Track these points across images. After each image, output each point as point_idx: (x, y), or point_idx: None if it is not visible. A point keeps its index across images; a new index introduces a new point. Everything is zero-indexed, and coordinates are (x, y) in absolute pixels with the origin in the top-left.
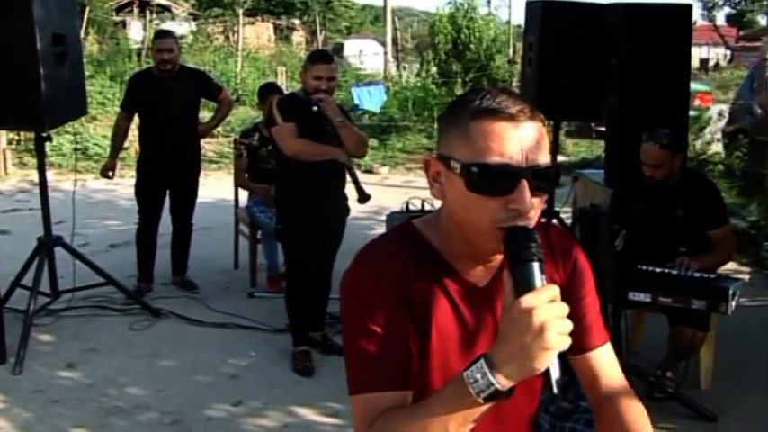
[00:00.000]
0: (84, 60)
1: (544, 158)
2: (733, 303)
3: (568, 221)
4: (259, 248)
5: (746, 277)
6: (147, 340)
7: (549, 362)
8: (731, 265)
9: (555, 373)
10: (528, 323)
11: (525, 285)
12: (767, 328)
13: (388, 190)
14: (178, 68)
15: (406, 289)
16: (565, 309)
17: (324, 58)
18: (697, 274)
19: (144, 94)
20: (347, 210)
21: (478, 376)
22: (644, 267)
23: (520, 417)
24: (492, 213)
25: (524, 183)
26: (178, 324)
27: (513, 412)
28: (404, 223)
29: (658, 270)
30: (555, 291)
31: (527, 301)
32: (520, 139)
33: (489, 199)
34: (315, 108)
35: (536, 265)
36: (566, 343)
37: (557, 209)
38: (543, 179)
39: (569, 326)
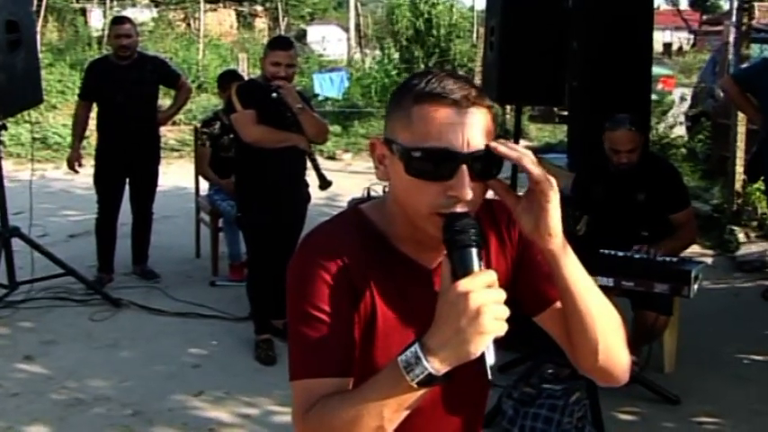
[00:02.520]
0: (44, 48)
1: (486, 143)
2: (695, 287)
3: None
4: (221, 237)
5: (710, 260)
6: (108, 331)
7: (484, 346)
8: (694, 249)
9: (490, 359)
10: (464, 307)
11: (462, 270)
12: (730, 311)
13: (350, 176)
14: (136, 55)
15: (350, 273)
16: (502, 295)
17: (282, 45)
18: (659, 258)
19: (102, 82)
20: (308, 197)
21: (412, 361)
22: (606, 252)
23: (467, 402)
24: (431, 198)
25: (464, 168)
26: (139, 314)
27: (460, 398)
28: (351, 208)
29: (621, 254)
30: (492, 276)
31: (463, 285)
32: (461, 124)
33: (428, 184)
34: (274, 95)
35: (474, 250)
36: (502, 329)
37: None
38: (485, 165)
39: (506, 312)
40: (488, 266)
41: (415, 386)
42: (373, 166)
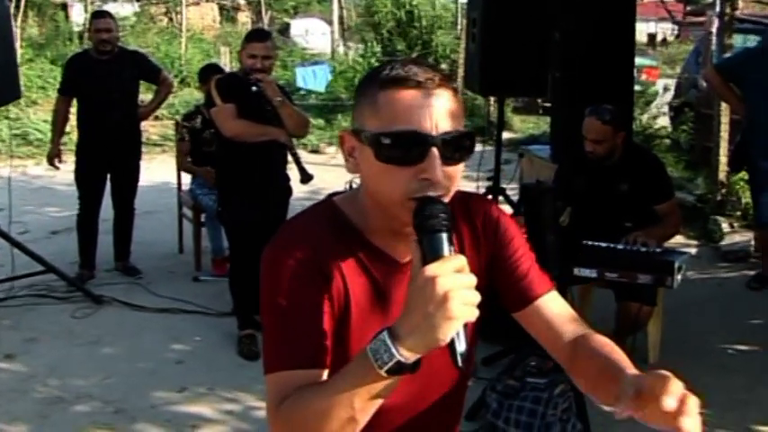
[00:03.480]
0: (24, 44)
1: (456, 126)
2: (679, 277)
3: (515, 198)
4: (204, 232)
5: (694, 250)
6: (90, 328)
7: (453, 333)
8: (679, 239)
9: (460, 346)
10: (431, 292)
11: (432, 255)
12: (715, 302)
13: (334, 170)
14: (117, 50)
15: (322, 265)
16: (472, 280)
17: (259, 37)
18: (643, 249)
19: (82, 77)
20: (289, 190)
21: (381, 349)
22: (589, 243)
23: (443, 394)
24: (403, 184)
25: (434, 151)
26: (121, 311)
27: (438, 387)
28: (324, 200)
29: (604, 245)
30: (461, 261)
31: (431, 269)
32: (429, 107)
33: (399, 169)
34: (254, 88)
35: (444, 235)
36: (472, 315)
37: (503, 185)
38: (455, 148)
39: (476, 297)
40: (460, 253)
41: (384, 375)
42: (343, 159)
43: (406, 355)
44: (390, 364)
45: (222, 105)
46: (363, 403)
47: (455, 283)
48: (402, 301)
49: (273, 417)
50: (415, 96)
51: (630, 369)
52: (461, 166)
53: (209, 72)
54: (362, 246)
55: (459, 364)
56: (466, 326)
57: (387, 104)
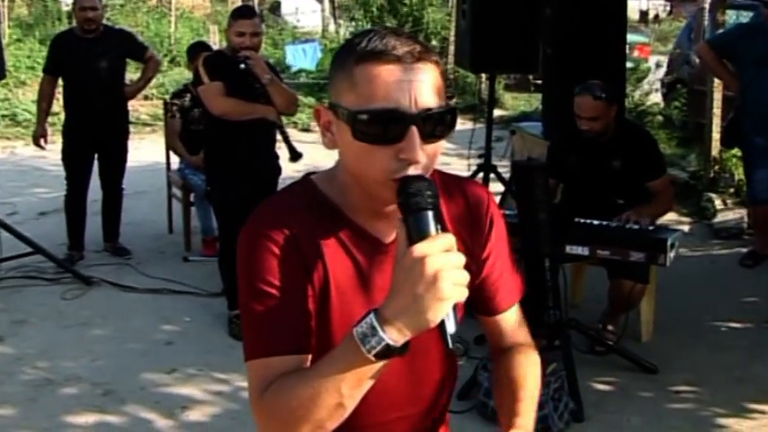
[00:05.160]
0: (12, 24)
1: (436, 101)
2: (672, 255)
3: (506, 176)
4: (193, 211)
5: (687, 228)
6: (79, 310)
7: (444, 314)
8: (671, 216)
9: (450, 327)
10: (420, 272)
11: (418, 234)
12: (708, 279)
13: (323, 148)
14: (102, 29)
15: (299, 245)
16: (461, 259)
17: (245, 14)
18: (635, 226)
19: (67, 56)
20: (278, 169)
21: (368, 332)
22: (582, 220)
23: (433, 376)
24: (383, 164)
25: (413, 129)
26: (111, 292)
27: (427, 367)
28: (301, 179)
29: (596, 223)
30: (450, 240)
31: (419, 249)
32: (408, 82)
33: (378, 148)
34: (242, 66)
35: (430, 213)
36: (462, 295)
37: (494, 163)
38: (436, 124)
39: (466, 277)
40: (446, 230)
41: (373, 358)
42: (320, 134)
43: (394, 338)
44: (379, 348)
45: (210, 83)
46: (351, 389)
47: (445, 263)
48: (385, 283)
49: (257, 405)
50: (394, 71)
51: (517, 418)
52: (443, 142)
53: (197, 50)
54: (343, 225)
55: (450, 345)
56: (455, 306)
57: (364, 80)
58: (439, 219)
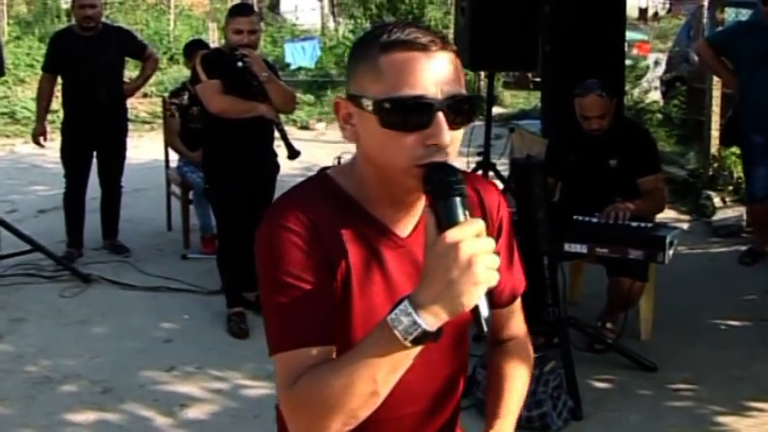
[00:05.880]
0: (11, 21)
1: (459, 90)
2: (670, 252)
3: (505, 174)
4: (192, 209)
5: (686, 225)
6: (78, 307)
7: (478, 298)
8: (670, 214)
9: (484, 311)
10: (455, 257)
11: (448, 221)
12: (707, 277)
13: (323, 146)
14: (101, 27)
15: (322, 237)
16: (491, 243)
17: (243, 11)
18: (634, 224)
19: (66, 54)
20: (276, 167)
21: (403, 318)
22: (580, 218)
23: (447, 371)
24: (409, 150)
25: (440, 115)
26: (110, 289)
27: (443, 362)
28: (317, 173)
29: (595, 220)
30: (480, 225)
31: (452, 235)
32: (433, 70)
33: (405, 135)
34: (240, 63)
35: (458, 199)
36: (494, 279)
37: (493, 161)
38: (460, 111)
39: (497, 261)
40: (474, 216)
41: (409, 344)
42: (339, 127)
43: (430, 323)
44: (415, 333)
45: (207, 81)
46: (386, 375)
47: (478, 248)
48: (403, 277)
49: (287, 398)
50: (419, 59)
51: (497, 420)
52: (462, 131)
53: (194, 48)
54: (361, 218)
55: (486, 328)
56: (488, 291)
57: (390, 69)
58: (466, 205)
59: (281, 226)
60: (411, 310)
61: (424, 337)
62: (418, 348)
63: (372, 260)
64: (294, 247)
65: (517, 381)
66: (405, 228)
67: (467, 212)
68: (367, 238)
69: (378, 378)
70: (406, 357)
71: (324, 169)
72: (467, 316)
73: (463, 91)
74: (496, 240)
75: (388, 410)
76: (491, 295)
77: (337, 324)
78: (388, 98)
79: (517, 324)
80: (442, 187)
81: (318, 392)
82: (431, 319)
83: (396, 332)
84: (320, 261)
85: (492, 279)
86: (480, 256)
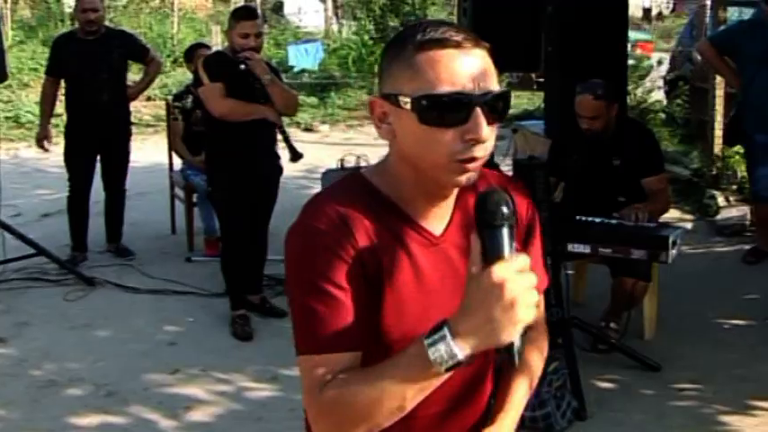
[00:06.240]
0: (15, 26)
1: (494, 85)
2: (673, 252)
3: (509, 174)
4: (196, 212)
5: (689, 225)
6: (82, 311)
7: (516, 335)
8: (674, 214)
9: (517, 344)
10: (499, 296)
11: (493, 252)
12: (711, 276)
13: (327, 148)
14: (104, 30)
15: (355, 241)
16: (533, 279)
17: (249, 15)
18: (638, 224)
19: (69, 58)
20: (279, 169)
21: (441, 345)
22: (583, 218)
23: (472, 367)
24: (448, 145)
25: (478, 111)
26: (113, 293)
27: (475, 366)
28: (351, 173)
29: (598, 220)
30: (525, 261)
31: (498, 273)
32: (469, 66)
33: (444, 131)
34: (242, 66)
35: (506, 231)
36: (532, 315)
37: (497, 161)
38: (496, 107)
39: (536, 297)
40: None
41: (443, 371)
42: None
43: (466, 353)
44: (451, 362)
45: (210, 85)
46: (415, 394)
47: (521, 288)
48: (434, 275)
49: (314, 403)
50: (456, 57)
51: (502, 412)
52: (498, 126)
53: (196, 51)
54: (396, 217)
55: (517, 362)
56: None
57: (427, 66)
58: (513, 236)
59: (316, 226)
60: (449, 339)
61: (457, 365)
62: (450, 373)
63: (405, 258)
64: (327, 251)
65: (528, 371)
66: (439, 226)
67: (513, 244)
68: (400, 235)
69: (407, 395)
70: (438, 380)
71: (357, 169)
72: None
73: (498, 87)
74: (526, 242)
75: (423, 408)
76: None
77: (368, 322)
78: (427, 95)
79: (538, 319)
80: (491, 217)
81: (346, 403)
82: (467, 350)
83: (431, 357)
84: (351, 263)
85: (530, 316)
86: (523, 296)
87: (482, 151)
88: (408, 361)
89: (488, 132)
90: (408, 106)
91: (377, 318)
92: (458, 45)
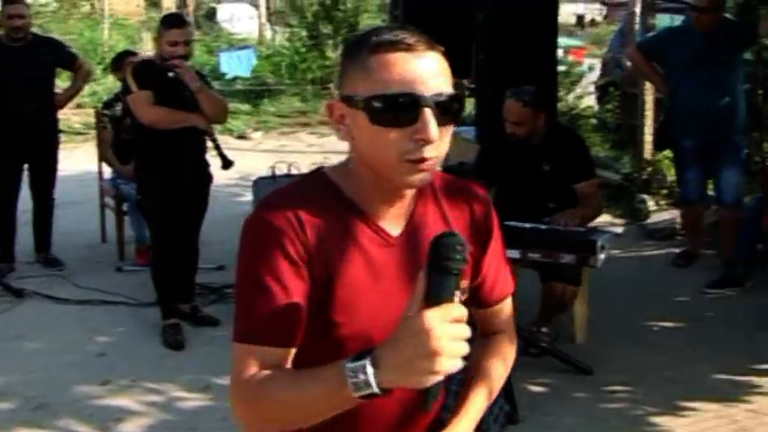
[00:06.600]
0: None
1: (447, 88)
2: (602, 256)
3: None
4: (127, 220)
5: (621, 229)
6: (11, 323)
7: (433, 383)
8: (606, 218)
9: (433, 391)
10: (424, 343)
11: (435, 298)
12: (641, 280)
13: (260, 155)
14: (30, 37)
15: (307, 239)
16: (466, 332)
17: (178, 23)
18: (566, 229)
19: None
20: (209, 177)
21: (360, 374)
22: (513, 224)
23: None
24: (398, 145)
25: (428, 111)
26: (43, 304)
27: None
28: (313, 171)
29: (527, 226)
30: (461, 311)
31: (429, 319)
32: (420, 68)
33: (394, 130)
34: (171, 74)
35: (452, 278)
36: (456, 367)
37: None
38: (448, 109)
39: (464, 350)
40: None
41: (356, 397)
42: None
43: (382, 386)
44: (364, 392)
45: (139, 92)
46: (326, 410)
47: (448, 338)
48: (389, 275)
49: (238, 390)
50: (407, 59)
51: (457, 417)
52: (451, 130)
53: (124, 58)
54: (354, 216)
55: (428, 407)
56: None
57: (379, 68)
58: (458, 284)
59: (266, 221)
60: (369, 370)
61: (371, 396)
62: (363, 400)
63: (360, 257)
64: (275, 245)
65: (487, 380)
66: (396, 227)
67: (457, 293)
68: (357, 235)
69: (318, 409)
70: (351, 404)
71: (320, 168)
72: None
73: (450, 89)
74: (485, 247)
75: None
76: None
77: (318, 321)
78: (377, 95)
79: (504, 321)
80: (442, 261)
81: (265, 400)
82: (383, 383)
83: (348, 381)
84: (300, 261)
85: (454, 367)
86: (448, 348)
87: (433, 152)
88: (327, 378)
89: (439, 133)
90: (361, 107)
91: (327, 314)
92: (409, 48)
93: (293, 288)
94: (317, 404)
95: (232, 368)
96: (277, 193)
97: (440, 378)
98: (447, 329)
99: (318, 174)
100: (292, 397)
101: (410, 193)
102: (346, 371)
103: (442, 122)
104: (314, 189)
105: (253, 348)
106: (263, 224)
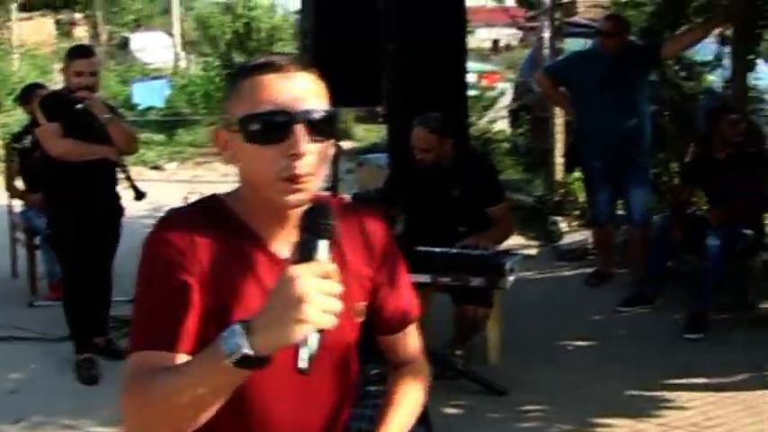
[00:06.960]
0: None
1: (318, 105)
2: (511, 278)
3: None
4: (39, 255)
5: (534, 251)
6: None
7: (302, 335)
8: (519, 240)
9: (306, 350)
10: (288, 292)
11: (302, 258)
12: (554, 300)
13: (174, 186)
14: None
15: (198, 254)
16: (334, 287)
17: (83, 53)
18: (475, 252)
19: None
20: (121, 209)
21: (231, 340)
22: (423, 249)
23: (330, 396)
24: (272, 163)
25: (298, 128)
26: None
27: (321, 393)
28: (209, 196)
29: (438, 250)
30: (329, 267)
31: (294, 270)
32: (291, 87)
33: (268, 148)
34: (79, 106)
35: (321, 241)
36: (327, 322)
37: (345, 195)
38: (320, 126)
39: (336, 306)
40: (341, 263)
41: (230, 364)
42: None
43: (255, 348)
44: (236, 356)
45: (47, 124)
46: (207, 393)
47: (314, 288)
48: None
49: (123, 395)
50: (276, 79)
51: None
52: (329, 147)
53: (32, 91)
54: (245, 237)
55: (300, 365)
56: (322, 331)
57: (251, 90)
58: (327, 249)
59: (161, 237)
60: (239, 333)
61: (246, 361)
62: (242, 373)
63: (250, 277)
64: (165, 259)
65: (402, 409)
66: (286, 247)
67: (329, 256)
68: (247, 255)
69: (199, 392)
70: (230, 379)
71: (214, 194)
72: (346, 344)
73: (323, 106)
74: (380, 267)
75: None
76: (324, 333)
77: (214, 334)
78: (249, 115)
79: (412, 348)
80: (309, 225)
81: (145, 393)
82: (256, 345)
83: (220, 348)
84: (189, 274)
85: (325, 322)
86: (314, 296)
87: (305, 168)
88: (205, 355)
89: (310, 148)
90: (237, 128)
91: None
92: (280, 69)
93: (181, 298)
94: (197, 386)
95: (122, 376)
96: (174, 212)
97: (309, 330)
98: (313, 281)
99: (214, 197)
100: (174, 385)
101: (295, 214)
102: (219, 339)
103: (315, 140)
104: (208, 211)
105: (141, 355)
106: (158, 239)
